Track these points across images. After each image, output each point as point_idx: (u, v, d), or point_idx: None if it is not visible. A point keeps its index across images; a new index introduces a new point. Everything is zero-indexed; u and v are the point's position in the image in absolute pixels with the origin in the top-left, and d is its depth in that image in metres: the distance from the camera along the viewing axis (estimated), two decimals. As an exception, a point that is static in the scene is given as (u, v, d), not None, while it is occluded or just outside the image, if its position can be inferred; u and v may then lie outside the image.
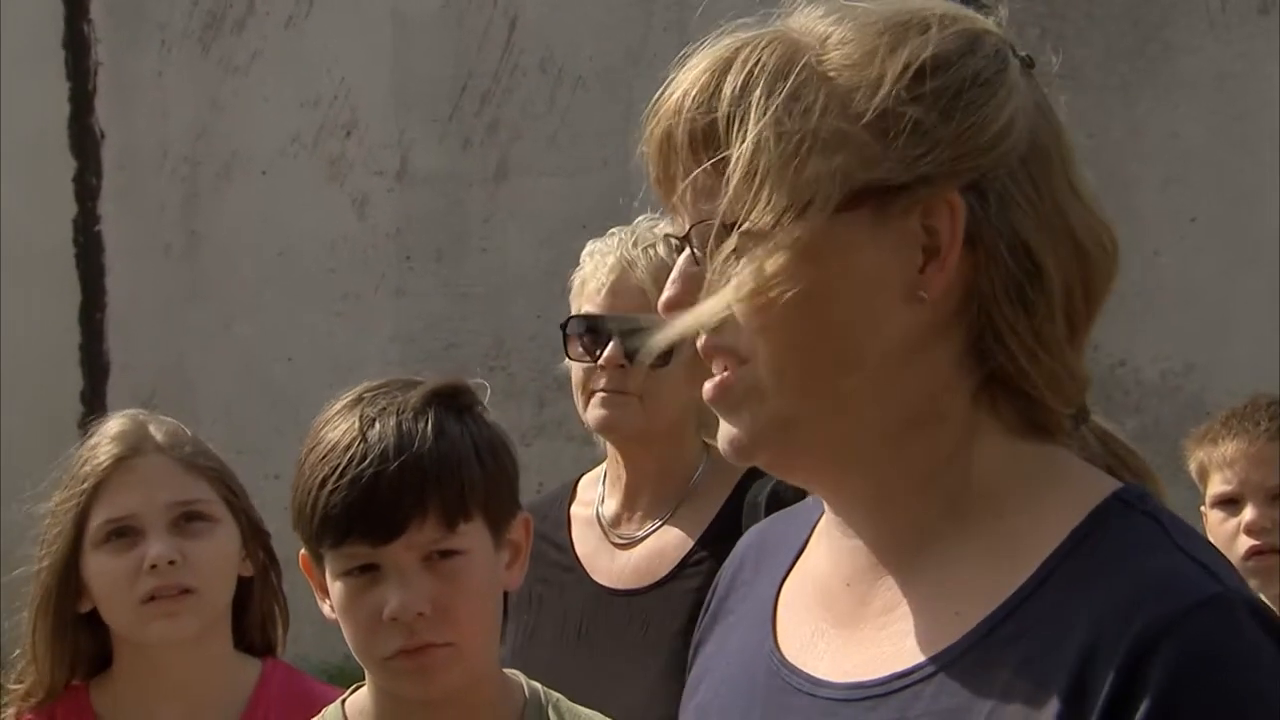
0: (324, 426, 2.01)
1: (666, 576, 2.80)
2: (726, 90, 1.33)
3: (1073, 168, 1.38)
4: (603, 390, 2.79)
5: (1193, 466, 3.08)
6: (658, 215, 2.86)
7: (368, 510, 1.95)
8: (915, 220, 1.32)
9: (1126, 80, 6.53)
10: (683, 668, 2.57)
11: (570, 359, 2.85)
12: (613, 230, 2.86)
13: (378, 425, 1.97)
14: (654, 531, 2.84)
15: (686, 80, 1.36)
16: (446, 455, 1.97)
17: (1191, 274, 6.49)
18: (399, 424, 1.97)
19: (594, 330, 2.81)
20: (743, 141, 1.32)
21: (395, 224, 7.24)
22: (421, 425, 1.97)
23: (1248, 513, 2.99)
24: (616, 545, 2.87)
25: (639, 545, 2.85)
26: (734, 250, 1.32)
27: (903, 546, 1.37)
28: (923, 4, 1.37)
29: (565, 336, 2.85)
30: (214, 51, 7.34)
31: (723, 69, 1.35)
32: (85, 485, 2.48)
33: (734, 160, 1.32)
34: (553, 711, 2.09)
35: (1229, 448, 3.03)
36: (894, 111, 1.31)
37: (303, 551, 2.04)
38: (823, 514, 1.46)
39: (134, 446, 2.50)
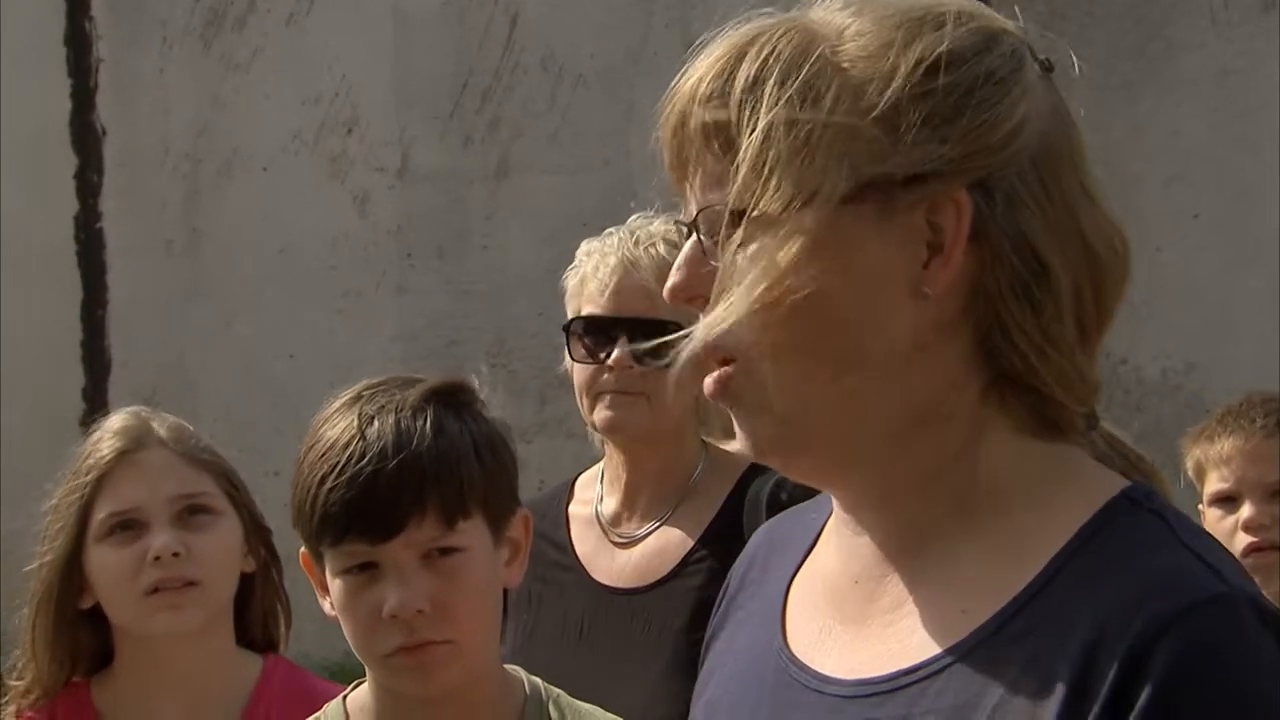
0: (323, 424, 2.01)
1: (668, 575, 2.80)
2: (740, 78, 1.33)
3: (1086, 172, 1.37)
4: (611, 391, 2.78)
5: (1189, 465, 3.08)
6: (651, 214, 2.86)
7: (367, 508, 1.95)
8: (921, 216, 1.32)
9: (1128, 78, 6.53)
10: (684, 666, 2.58)
11: (574, 361, 2.84)
12: (609, 230, 2.86)
13: (377, 423, 1.97)
14: (654, 530, 2.84)
15: (702, 66, 1.36)
16: (445, 453, 1.97)
17: (1193, 272, 6.50)
18: (398, 422, 1.97)
19: (599, 331, 2.80)
20: (753, 130, 1.32)
21: (396, 221, 7.24)
22: (420, 423, 1.97)
23: (1245, 510, 2.99)
24: (617, 544, 2.87)
25: (640, 544, 2.85)
26: (741, 239, 1.32)
27: (910, 543, 1.37)
28: (943, 0, 1.37)
29: (568, 338, 2.84)
30: (215, 49, 7.34)
31: (738, 56, 1.35)
32: (88, 479, 2.48)
33: (743, 148, 1.32)
34: (553, 707, 2.09)
35: (1225, 445, 3.02)
36: (905, 106, 1.31)
37: (303, 549, 2.04)
38: (832, 512, 1.45)
39: (137, 440, 2.51)
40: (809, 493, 1.51)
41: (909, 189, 1.31)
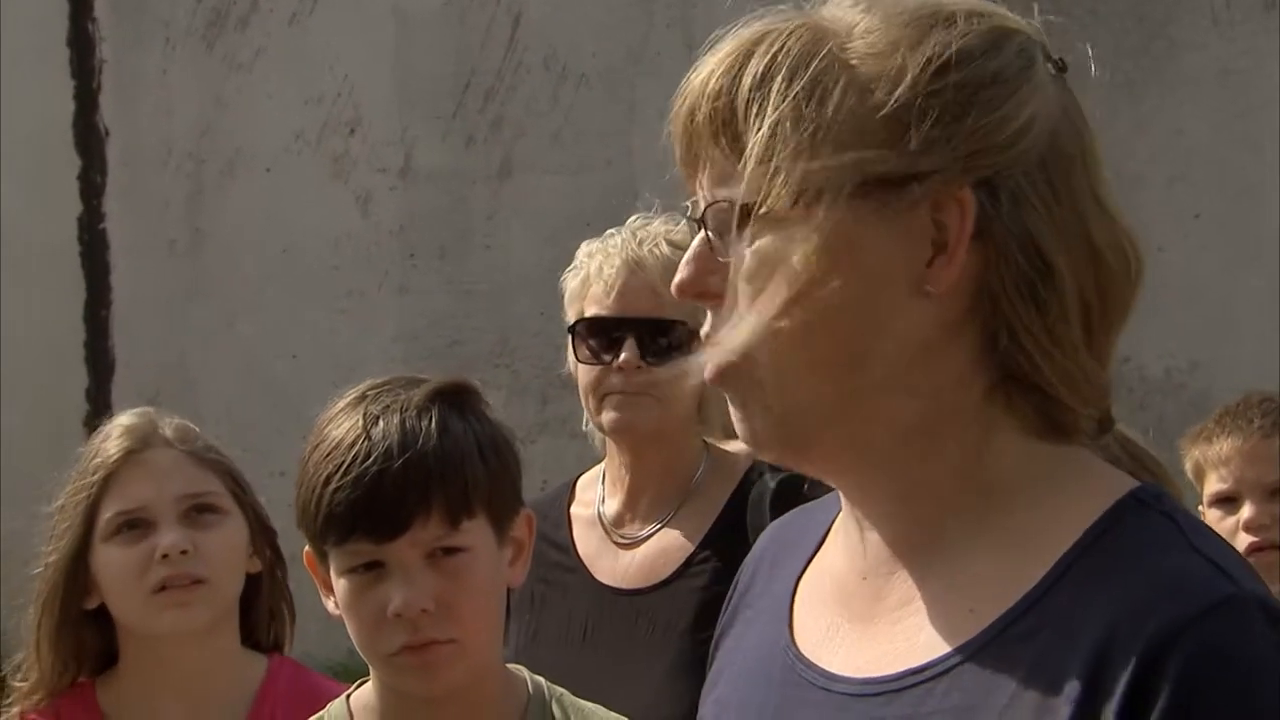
0: (328, 424, 2.02)
1: (671, 576, 2.80)
2: (749, 74, 1.33)
3: (1098, 175, 1.36)
4: (619, 392, 2.78)
5: (1188, 466, 3.08)
6: (650, 215, 2.86)
7: (371, 508, 1.95)
8: (925, 214, 1.32)
9: (1130, 77, 6.52)
10: (688, 667, 2.58)
11: (579, 362, 2.83)
12: (610, 231, 2.85)
13: (381, 423, 1.97)
14: (657, 531, 2.84)
15: (712, 62, 1.36)
16: (450, 453, 1.97)
17: (1196, 271, 6.49)
18: (403, 422, 1.97)
19: (605, 332, 2.79)
20: (760, 127, 1.32)
21: (399, 221, 7.24)
22: (425, 423, 1.97)
23: (1246, 510, 2.99)
24: (619, 545, 2.86)
25: (642, 545, 2.85)
26: (749, 236, 1.32)
27: (916, 541, 1.37)
28: None
29: (573, 339, 2.83)
30: (218, 49, 7.34)
31: (747, 53, 1.34)
32: (95, 479, 2.49)
33: (750, 145, 1.32)
34: (556, 706, 2.09)
35: (1224, 446, 3.02)
36: (912, 104, 1.31)
37: (307, 549, 2.04)
38: (840, 510, 1.45)
39: (144, 439, 2.51)
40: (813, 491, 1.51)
41: (913, 186, 1.31)
